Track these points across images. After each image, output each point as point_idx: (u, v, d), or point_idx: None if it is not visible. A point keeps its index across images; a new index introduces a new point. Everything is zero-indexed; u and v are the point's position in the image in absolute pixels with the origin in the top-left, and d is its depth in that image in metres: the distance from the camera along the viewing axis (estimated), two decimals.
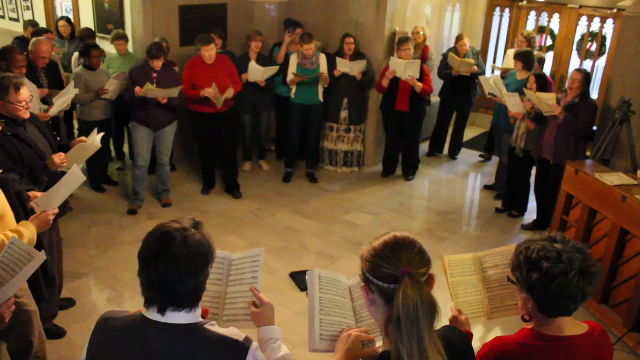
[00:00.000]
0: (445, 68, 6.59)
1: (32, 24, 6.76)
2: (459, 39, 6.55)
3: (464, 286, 2.07)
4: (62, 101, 4.64)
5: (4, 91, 3.16)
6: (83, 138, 3.59)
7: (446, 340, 1.44)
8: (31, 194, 2.89)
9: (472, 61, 6.41)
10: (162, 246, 1.49)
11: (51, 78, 5.15)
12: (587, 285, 1.61)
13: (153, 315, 1.52)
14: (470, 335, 1.92)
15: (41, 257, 2.31)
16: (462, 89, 6.65)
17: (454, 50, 6.55)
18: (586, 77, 4.80)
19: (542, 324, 1.70)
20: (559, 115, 4.74)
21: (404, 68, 5.72)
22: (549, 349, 1.66)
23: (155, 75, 5.11)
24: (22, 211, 2.81)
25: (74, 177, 2.84)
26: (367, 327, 1.76)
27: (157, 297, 1.51)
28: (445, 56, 6.67)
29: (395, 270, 1.41)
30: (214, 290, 1.93)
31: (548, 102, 4.75)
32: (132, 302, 4.05)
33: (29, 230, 2.60)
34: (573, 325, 1.71)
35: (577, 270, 1.59)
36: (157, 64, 5.10)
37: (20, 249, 2.30)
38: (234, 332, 1.56)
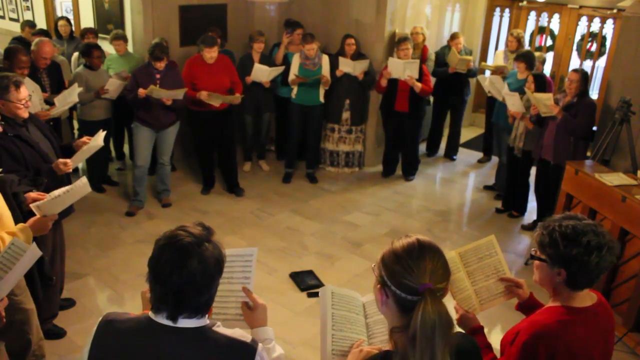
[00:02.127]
0: (439, 65, 6.60)
1: (29, 24, 6.75)
2: (454, 37, 6.58)
3: (455, 283, 2.10)
4: (63, 101, 4.65)
5: (4, 89, 3.15)
6: (86, 139, 3.57)
7: (457, 347, 1.43)
8: (28, 195, 2.87)
9: (470, 57, 6.43)
10: (178, 262, 1.46)
11: (53, 79, 5.15)
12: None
13: (162, 320, 1.51)
14: (481, 328, 1.99)
15: (35, 252, 2.31)
16: (455, 88, 6.66)
17: (448, 48, 6.57)
18: (583, 76, 4.79)
19: (568, 298, 1.82)
20: (557, 115, 4.74)
21: (403, 68, 5.71)
22: (583, 320, 1.80)
23: (158, 76, 5.11)
24: (19, 212, 2.79)
25: (81, 188, 2.83)
26: (380, 344, 1.74)
27: (168, 307, 1.50)
28: (438, 54, 6.69)
29: (417, 284, 1.38)
30: None
31: (545, 102, 4.76)
32: (132, 302, 4.05)
33: (24, 234, 2.57)
34: (588, 296, 1.86)
35: (608, 245, 1.74)
36: (160, 65, 5.10)
37: (20, 250, 2.31)
38: (240, 334, 1.56)
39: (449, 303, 2.07)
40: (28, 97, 3.28)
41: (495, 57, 6.80)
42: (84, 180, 2.83)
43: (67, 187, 2.79)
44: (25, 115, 3.27)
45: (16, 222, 2.69)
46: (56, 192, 2.77)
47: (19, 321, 2.83)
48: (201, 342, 1.51)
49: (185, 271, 1.45)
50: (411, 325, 1.34)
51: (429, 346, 1.32)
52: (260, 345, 1.57)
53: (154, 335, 1.50)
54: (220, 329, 1.56)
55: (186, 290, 1.47)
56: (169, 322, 1.50)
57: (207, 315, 1.57)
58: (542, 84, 5.09)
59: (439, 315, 1.34)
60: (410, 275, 1.39)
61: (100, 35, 6.37)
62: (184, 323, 1.51)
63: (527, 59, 5.47)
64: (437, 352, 1.33)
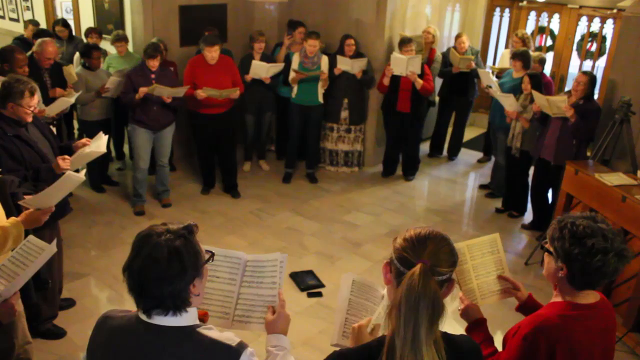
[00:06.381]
0: (444, 66, 6.60)
1: (33, 23, 6.76)
2: (457, 37, 6.58)
3: (463, 274, 2.13)
4: (60, 106, 4.68)
5: (19, 94, 3.19)
6: (86, 140, 3.58)
7: (453, 344, 1.45)
8: (25, 196, 2.88)
9: (472, 57, 6.42)
10: (137, 249, 1.50)
11: (55, 78, 5.15)
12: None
13: (144, 317, 1.53)
14: (483, 321, 2.01)
15: (52, 249, 2.36)
16: (460, 89, 6.66)
17: (454, 48, 6.57)
18: (591, 79, 4.74)
19: (571, 295, 1.84)
20: (571, 118, 4.67)
21: (406, 63, 5.70)
22: (585, 316, 1.82)
23: (153, 76, 5.10)
24: (16, 212, 2.80)
25: (69, 181, 2.83)
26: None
27: (139, 300, 1.52)
28: (444, 55, 6.69)
29: (414, 258, 1.44)
30: (226, 289, 1.95)
31: (559, 104, 4.68)
32: (132, 302, 4.04)
33: (15, 228, 2.59)
34: (592, 294, 1.87)
35: (616, 251, 1.73)
36: (154, 64, 5.08)
37: (35, 246, 2.35)
38: (227, 337, 1.54)
39: (456, 297, 2.09)
40: (37, 103, 3.33)
41: (502, 57, 6.78)
42: (69, 174, 2.82)
43: (54, 184, 2.79)
44: (30, 119, 3.32)
45: None
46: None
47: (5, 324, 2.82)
48: (183, 342, 1.50)
49: (141, 257, 1.48)
50: (397, 295, 1.38)
51: (412, 316, 1.34)
52: (249, 349, 1.53)
53: (138, 333, 1.52)
54: (209, 331, 1.54)
55: (143, 278, 1.47)
56: (146, 318, 1.51)
57: (194, 317, 1.56)
58: (537, 83, 5.08)
59: (424, 288, 1.36)
60: (412, 250, 1.46)
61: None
62: (161, 320, 1.51)
63: (524, 58, 5.47)
64: (421, 327, 1.34)
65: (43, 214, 2.76)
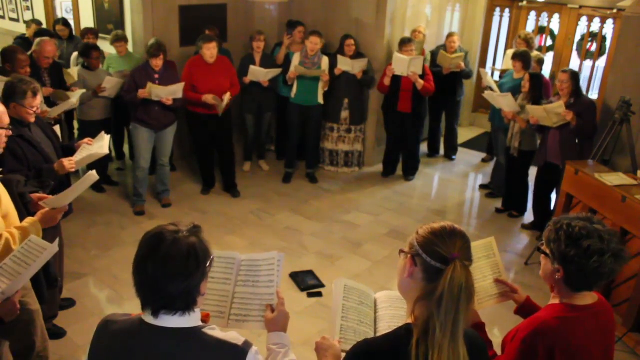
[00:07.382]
0: (433, 66, 6.59)
1: (36, 22, 6.76)
2: (448, 36, 6.58)
3: None
4: (63, 106, 4.68)
5: (21, 94, 3.21)
6: (88, 140, 3.58)
7: (467, 336, 1.49)
8: (34, 196, 2.90)
9: (461, 55, 6.42)
10: (152, 247, 1.49)
11: (54, 78, 5.16)
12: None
13: (149, 318, 1.52)
14: (482, 325, 2.01)
15: (53, 248, 2.37)
16: (448, 89, 6.64)
17: (443, 47, 6.58)
18: (573, 76, 4.74)
19: (568, 297, 1.85)
20: (572, 122, 4.66)
21: (408, 64, 5.70)
22: (583, 317, 1.82)
23: (157, 76, 5.10)
24: (25, 212, 2.82)
25: (88, 180, 2.89)
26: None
27: (148, 299, 1.51)
28: (433, 53, 6.69)
29: (447, 253, 1.47)
30: (222, 289, 1.95)
31: (557, 110, 4.66)
32: (132, 302, 4.05)
33: (34, 227, 2.63)
34: (589, 295, 1.88)
35: (612, 252, 1.74)
36: (157, 63, 5.09)
37: (36, 245, 2.37)
38: (232, 336, 1.55)
39: None
40: (39, 104, 3.35)
41: (506, 57, 6.76)
42: (91, 173, 2.89)
43: (76, 183, 2.86)
44: (32, 119, 3.35)
45: (22, 221, 2.71)
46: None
47: (24, 322, 2.83)
48: (189, 342, 1.50)
49: (158, 254, 1.47)
50: (439, 287, 1.43)
51: (454, 306, 1.41)
52: (254, 348, 1.55)
53: (143, 335, 1.51)
54: (213, 331, 1.55)
55: (159, 275, 1.47)
56: (153, 320, 1.51)
57: (198, 318, 1.56)
58: (538, 83, 5.08)
59: (466, 279, 1.44)
60: (444, 244, 1.49)
61: (100, 35, 6.39)
62: (168, 321, 1.51)
63: (524, 59, 5.47)
64: (461, 315, 1.41)
65: (58, 213, 2.80)
